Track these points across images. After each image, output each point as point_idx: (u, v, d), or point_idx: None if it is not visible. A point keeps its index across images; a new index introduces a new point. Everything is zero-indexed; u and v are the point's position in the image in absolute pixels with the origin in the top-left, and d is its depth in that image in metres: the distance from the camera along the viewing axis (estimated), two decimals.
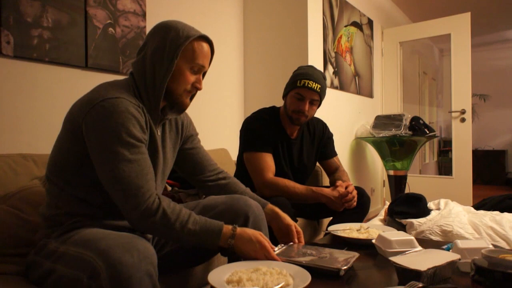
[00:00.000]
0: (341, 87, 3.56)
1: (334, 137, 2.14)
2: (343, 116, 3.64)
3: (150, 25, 2.24)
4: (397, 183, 3.92)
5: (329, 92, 3.02)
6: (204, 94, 2.73)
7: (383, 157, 3.98)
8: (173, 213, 1.07)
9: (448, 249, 1.29)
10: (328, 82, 3.23)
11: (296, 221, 1.82)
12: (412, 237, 1.33)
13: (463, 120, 4.11)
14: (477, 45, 6.43)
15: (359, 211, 1.88)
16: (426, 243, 1.51)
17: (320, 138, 2.07)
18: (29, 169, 1.49)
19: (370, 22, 4.22)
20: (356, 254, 1.24)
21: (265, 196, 1.72)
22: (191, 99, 1.25)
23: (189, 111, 1.39)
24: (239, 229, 1.14)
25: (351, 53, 3.79)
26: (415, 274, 1.01)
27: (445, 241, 1.73)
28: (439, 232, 1.86)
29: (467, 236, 1.78)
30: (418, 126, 3.69)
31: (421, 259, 1.08)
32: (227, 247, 1.13)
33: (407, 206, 2.08)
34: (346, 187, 1.81)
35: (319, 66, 3.11)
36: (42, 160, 1.52)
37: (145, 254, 0.93)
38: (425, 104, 6.48)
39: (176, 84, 1.16)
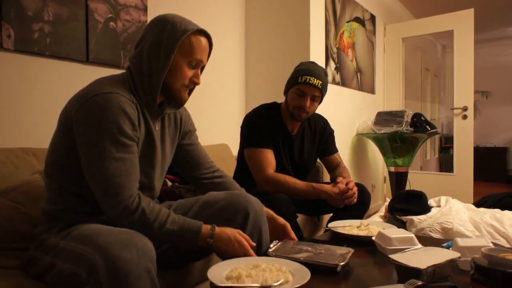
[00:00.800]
0: (343, 83, 3.55)
1: (335, 133, 2.14)
2: (344, 112, 3.63)
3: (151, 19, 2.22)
4: (398, 179, 3.92)
5: (331, 88, 3.01)
6: (206, 89, 2.72)
7: (384, 153, 3.98)
8: (152, 213, 1.06)
9: (448, 247, 1.29)
10: (330, 78, 3.22)
11: (296, 217, 1.82)
12: (412, 235, 1.33)
13: (465, 117, 4.09)
14: (480, 42, 6.39)
15: (359, 207, 1.87)
16: (426, 240, 1.51)
17: (321, 135, 2.06)
18: (30, 163, 1.49)
19: (372, 18, 4.20)
20: (351, 250, 1.24)
21: (265, 192, 1.72)
22: (189, 93, 1.24)
23: (191, 106, 1.38)
24: (217, 229, 1.14)
25: (353, 49, 3.77)
26: (414, 272, 1.01)
27: (445, 238, 1.73)
28: (439, 230, 1.86)
29: (467, 233, 1.78)
30: (419, 123, 3.68)
31: (421, 257, 1.08)
32: (206, 247, 1.13)
33: (407, 203, 2.08)
34: (346, 184, 1.81)
35: (321, 62, 3.10)
36: (42, 154, 1.50)
37: (144, 250, 0.93)
38: (427, 101, 6.46)
39: (173, 79, 1.15)
